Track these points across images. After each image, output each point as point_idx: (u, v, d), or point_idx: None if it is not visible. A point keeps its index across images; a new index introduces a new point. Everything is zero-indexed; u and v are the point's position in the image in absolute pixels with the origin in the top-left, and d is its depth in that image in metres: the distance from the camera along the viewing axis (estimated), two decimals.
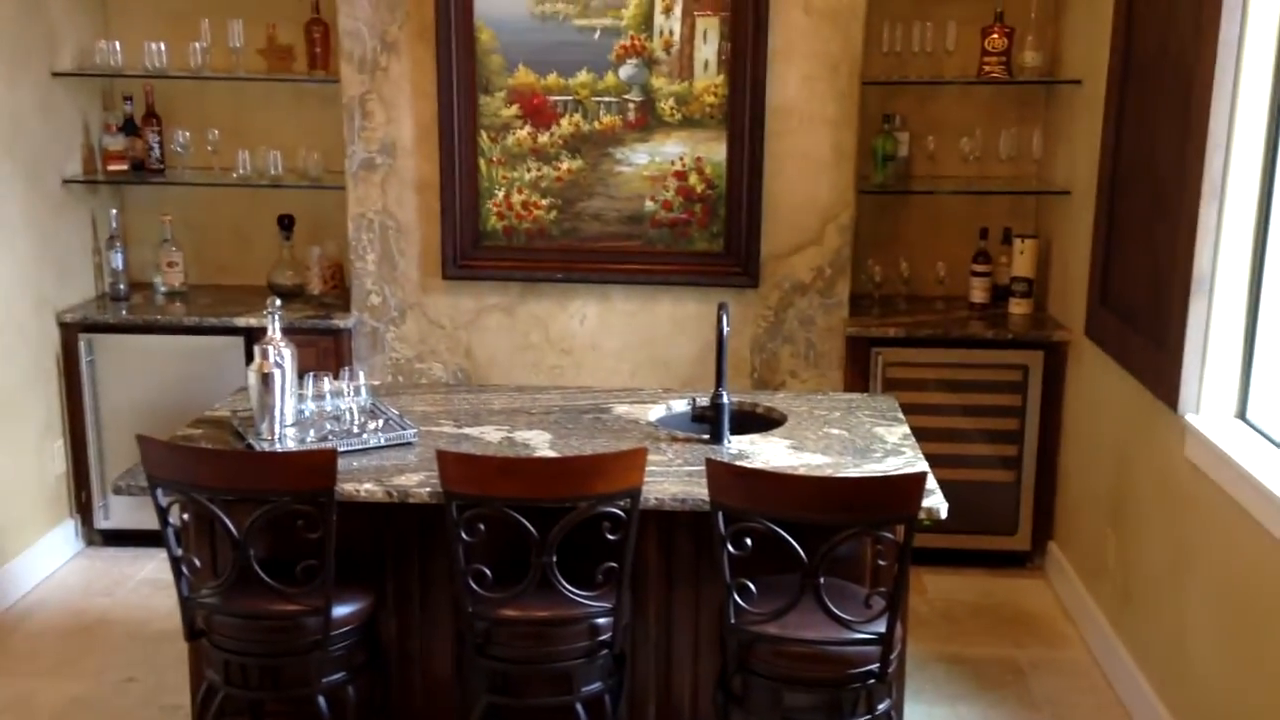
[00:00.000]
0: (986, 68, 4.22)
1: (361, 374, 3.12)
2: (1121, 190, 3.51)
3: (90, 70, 4.40)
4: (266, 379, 2.86)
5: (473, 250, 4.30)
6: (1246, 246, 2.90)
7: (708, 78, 4.13)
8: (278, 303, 2.97)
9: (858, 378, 4.20)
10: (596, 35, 4.12)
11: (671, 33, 4.11)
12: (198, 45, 4.32)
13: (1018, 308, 4.32)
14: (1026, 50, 4.22)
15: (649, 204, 4.23)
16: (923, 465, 2.81)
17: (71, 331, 4.28)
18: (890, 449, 2.94)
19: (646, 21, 4.10)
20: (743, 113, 4.11)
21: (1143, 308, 3.29)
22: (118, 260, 4.47)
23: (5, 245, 4.01)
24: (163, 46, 4.33)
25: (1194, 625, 2.99)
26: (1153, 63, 3.29)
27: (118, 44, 4.36)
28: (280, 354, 2.90)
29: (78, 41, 4.41)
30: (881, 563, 2.64)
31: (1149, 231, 3.26)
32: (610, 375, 4.36)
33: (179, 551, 2.64)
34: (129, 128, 4.49)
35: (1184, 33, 3.05)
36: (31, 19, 4.13)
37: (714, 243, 4.24)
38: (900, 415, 3.23)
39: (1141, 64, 3.39)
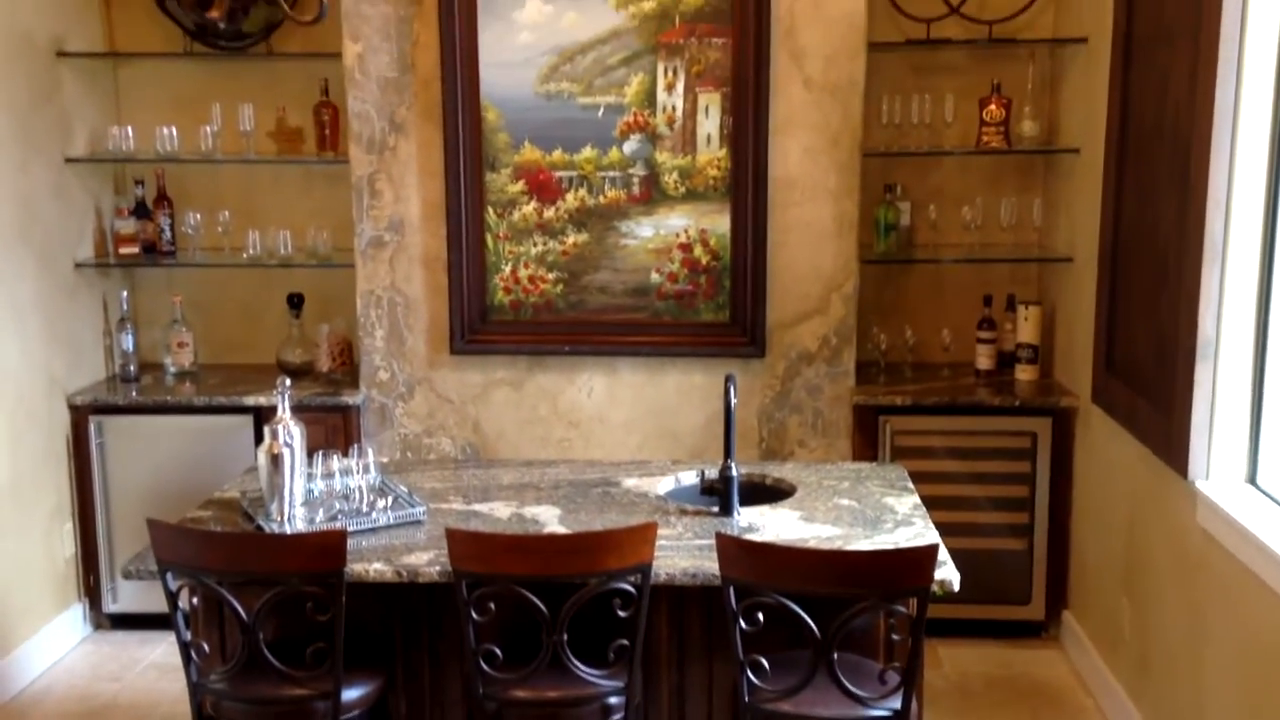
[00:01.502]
0: (985, 138, 4.27)
1: (370, 451, 3.13)
2: (1123, 257, 3.53)
3: (102, 156, 4.48)
4: (276, 459, 2.87)
5: (480, 325, 4.33)
6: (1250, 311, 2.91)
7: (710, 152, 4.18)
8: (287, 382, 2.98)
9: (866, 446, 4.20)
10: (600, 112, 4.19)
11: (674, 108, 4.17)
12: (208, 129, 4.39)
13: (1024, 374, 4.32)
14: (1024, 120, 4.28)
15: (654, 276, 4.27)
16: (934, 536, 2.79)
17: (82, 413, 4.30)
18: (901, 519, 2.93)
19: (649, 98, 4.17)
20: (746, 185, 4.16)
21: (1149, 374, 3.30)
22: (128, 342, 4.51)
23: (17, 329, 4.04)
24: (174, 131, 4.41)
25: (1212, 695, 2.94)
26: (1150, 130, 3.33)
27: (130, 129, 4.44)
28: (290, 433, 2.91)
29: (91, 127, 4.49)
30: (895, 636, 2.61)
31: (1152, 297, 3.28)
32: (618, 447, 4.36)
33: (188, 636, 2.62)
34: (140, 211, 4.55)
35: (1180, 100, 3.09)
36: (46, 107, 4.21)
37: (720, 313, 4.26)
38: (909, 485, 3.22)
39: (1139, 132, 3.43)
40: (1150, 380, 3.28)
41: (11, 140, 4.00)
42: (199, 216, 4.52)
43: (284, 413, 2.93)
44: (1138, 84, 3.44)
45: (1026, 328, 4.31)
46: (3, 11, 3.94)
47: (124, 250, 4.53)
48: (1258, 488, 2.93)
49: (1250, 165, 2.87)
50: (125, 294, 4.56)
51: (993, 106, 4.25)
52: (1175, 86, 3.13)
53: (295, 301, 4.55)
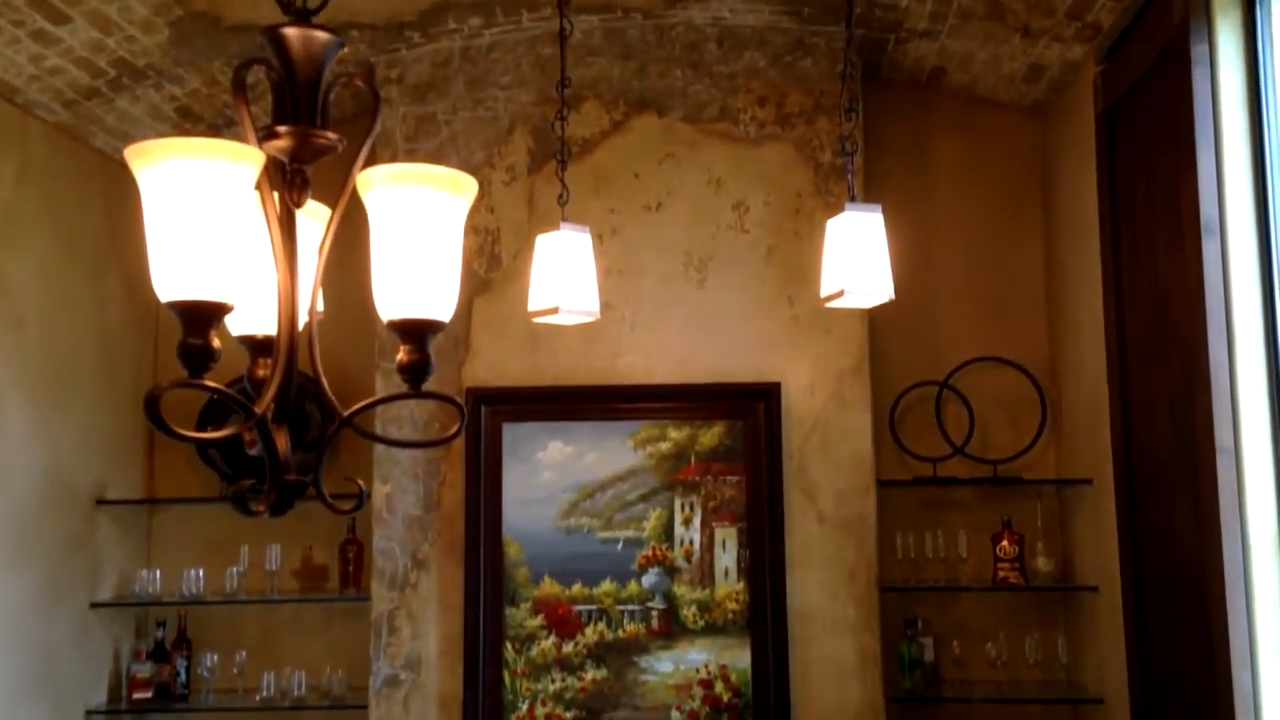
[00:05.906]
0: (1001, 573, 4.28)
1: None
2: (1155, 702, 3.43)
3: (128, 599, 4.54)
4: None
5: None
6: None
7: (729, 585, 4.20)
8: None
9: None
10: (619, 546, 4.26)
11: (691, 542, 4.24)
12: (234, 570, 4.48)
13: None
14: (1038, 556, 4.30)
15: (675, 715, 4.15)
16: None
17: None
18: None
19: (667, 532, 4.25)
20: (765, 619, 4.14)
21: None
22: None
23: None
24: (200, 573, 4.49)
25: None
26: (1164, 572, 3.34)
27: (158, 572, 4.53)
28: None
29: (120, 570, 4.58)
30: None
31: None
32: None
33: None
34: (158, 654, 4.53)
35: (1189, 546, 3.11)
36: (78, 554, 4.31)
37: None
38: None
39: (1154, 573, 3.43)
40: None
41: (41, 589, 4.06)
42: (215, 658, 4.50)
43: None
44: (1145, 525, 3.49)
45: None
46: (48, 463, 4.14)
47: (138, 695, 4.47)
48: None
49: (1269, 620, 2.84)
50: None
51: (1005, 543, 4.29)
52: (1182, 532, 3.17)
53: None
